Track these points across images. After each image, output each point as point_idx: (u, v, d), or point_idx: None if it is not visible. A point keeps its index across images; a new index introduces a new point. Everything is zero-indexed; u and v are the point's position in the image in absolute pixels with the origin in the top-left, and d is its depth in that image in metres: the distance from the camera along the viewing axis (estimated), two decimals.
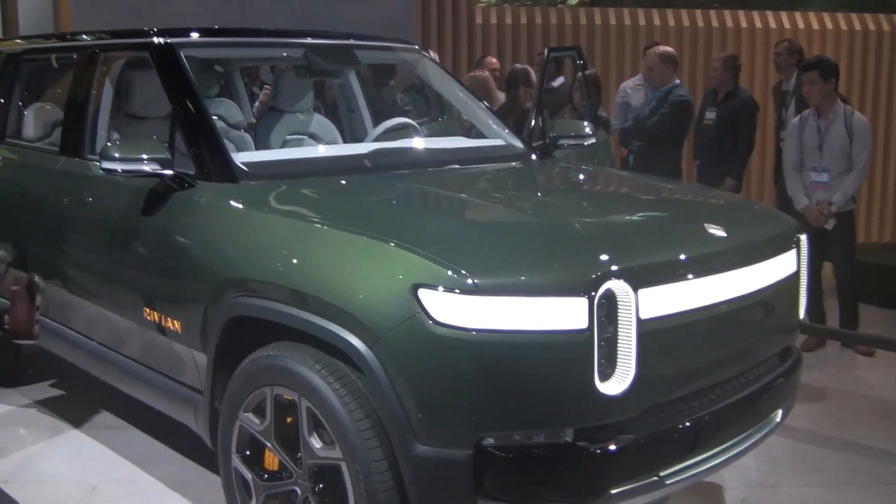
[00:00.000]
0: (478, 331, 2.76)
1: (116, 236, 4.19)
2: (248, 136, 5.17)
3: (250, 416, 3.36)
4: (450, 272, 2.80)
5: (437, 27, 10.82)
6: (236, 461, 3.44)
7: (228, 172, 3.78)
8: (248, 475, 3.40)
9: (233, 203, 3.67)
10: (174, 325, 3.78)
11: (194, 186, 3.80)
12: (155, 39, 4.33)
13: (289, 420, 3.24)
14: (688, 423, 3.12)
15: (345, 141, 5.54)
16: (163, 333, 3.87)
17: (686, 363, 3.14)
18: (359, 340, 2.92)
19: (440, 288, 2.78)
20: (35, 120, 5.47)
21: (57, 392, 5.73)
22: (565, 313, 2.79)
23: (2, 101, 5.59)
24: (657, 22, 11.00)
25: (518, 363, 2.78)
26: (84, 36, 4.99)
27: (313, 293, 3.09)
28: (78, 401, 5.54)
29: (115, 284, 4.26)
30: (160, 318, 3.86)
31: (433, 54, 8.32)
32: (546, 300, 2.79)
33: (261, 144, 5.12)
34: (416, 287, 2.82)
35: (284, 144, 5.17)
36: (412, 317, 2.81)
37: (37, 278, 4.48)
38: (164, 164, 3.77)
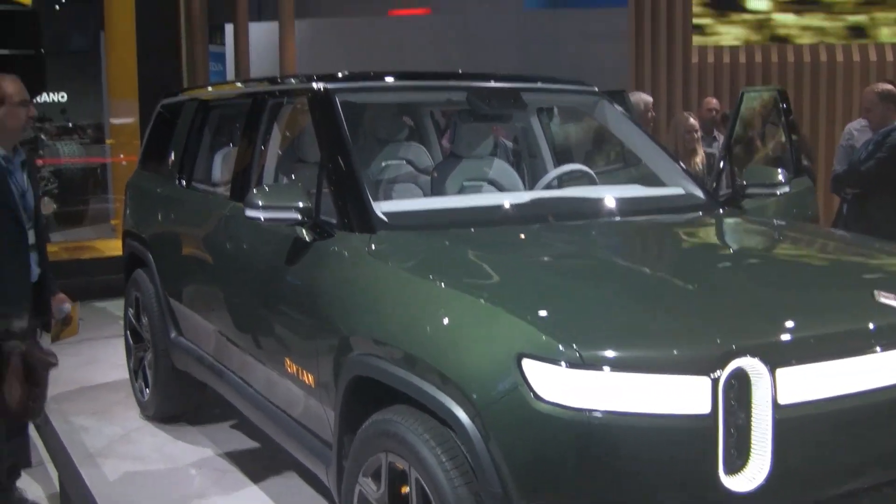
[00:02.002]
0: (583, 410, 2.48)
1: (264, 283, 4.18)
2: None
3: (368, 481, 3.20)
4: (554, 341, 2.54)
5: (651, 67, 10.50)
6: None
7: (367, 222, 3.67)
8: None
9: (364, 254, 3.55)
10: (308, 378, 3.70)
11: (333, 236, 3.71)
12: (314, 85, 4.31)
13: (403, 490, 3.05)
14: None
15: (525, 187, 5.34)
16: (300, 386, 3.80)
17: (834, 459, 2.69)
18: (462, 411, 2.70)
19: (544, 359, 2.53)
20: (221, 164, 5.61)
21: (234, 434, 5.79)
22: (684, 395, 2.47)
23: (193, 145, 5.77)
24: (889, 58, 10.20)
25: (629, 450, 2.48)
26: (256, 83, 5.06)
27: (422, 356, 2.90)
28: (250, 444, 5.57)
29: (262, 332, 4.24)
30: (297, 369, 3.80)
31: (644, 96, 8.03)
32: (661, 378, 2.48)
33: (437, 189, 5.00)
34: (519, 357, 2.58)
35: (461, 190, 5.02)
36: (514, 390, 2.56)
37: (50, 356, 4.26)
38: (306, 212, 3.70)
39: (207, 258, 4.94)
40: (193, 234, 5.27)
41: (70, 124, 22.41)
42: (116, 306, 8.39)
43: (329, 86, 4.27)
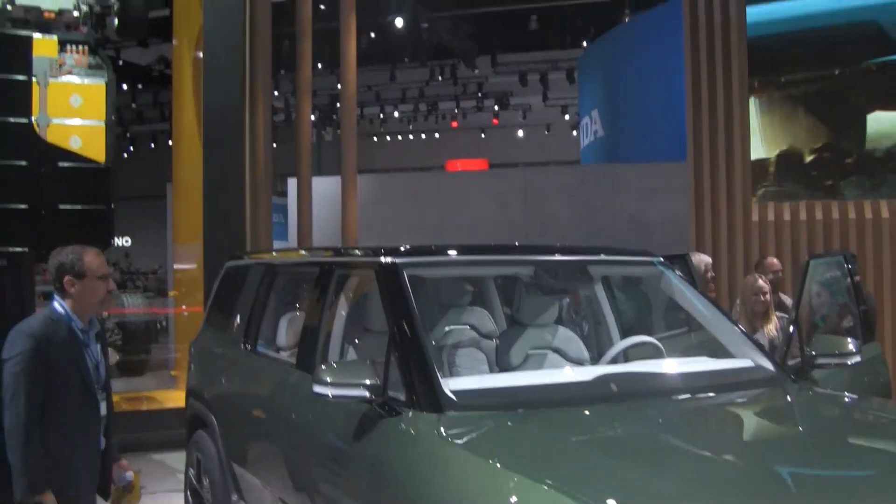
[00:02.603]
0: None
1: (330, 456, 4.15)
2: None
3: None
4: None
5: (711, 225, 10.51)
6: None
7: (435, 401, 3.66)
8: None
9: (432, 436, 3.52)
10: None
11: (401, 414, 3.70)
12: (382, 259, 4.36)
13: None
14: None
15: (591, 355, 5.30)
16: None
17: None
18: None
19: None
20: (286, 329, 5.66)
21: None
22: None
23: (259, 309, 5.83)
24: None
25: None
26: (324, 252, 5.14)
27: None
28: None
29: None
30: None
31: (704, 257, 8.01)
32: None
33: (502, 358, 4.99)
34: None
35: (526, 359, 4.99)
36: None
37: None
38: (374, 390, 3.71)
39: (271, 425, 4.94)
40: (258, 399, 5.29)
41: (133, 269, 22.94)
42: (175, 459, 8.39)
43: (397, 260, 4.32)
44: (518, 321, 5.11)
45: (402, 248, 4.50)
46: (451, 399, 3.68)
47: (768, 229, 10.42)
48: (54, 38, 10.17)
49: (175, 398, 10.90)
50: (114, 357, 10.13)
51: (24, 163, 10.03)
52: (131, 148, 37.20)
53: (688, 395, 4.09)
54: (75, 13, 10.38)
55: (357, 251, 4.90)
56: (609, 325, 5.67)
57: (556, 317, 5.21)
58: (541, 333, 5.04)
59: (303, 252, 5.79)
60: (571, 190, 15.96)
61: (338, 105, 33.15)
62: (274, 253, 6.24)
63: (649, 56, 18.40)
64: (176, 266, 12.45)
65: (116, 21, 11.01)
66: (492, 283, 6.30)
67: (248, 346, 5.73)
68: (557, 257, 4.93)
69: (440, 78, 29.25)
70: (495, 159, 34.65)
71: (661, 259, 5.29)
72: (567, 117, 33.50)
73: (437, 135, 38.09)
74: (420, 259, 4.56)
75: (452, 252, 4.74)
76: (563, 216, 15.46)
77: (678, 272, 5.37)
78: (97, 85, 10.28)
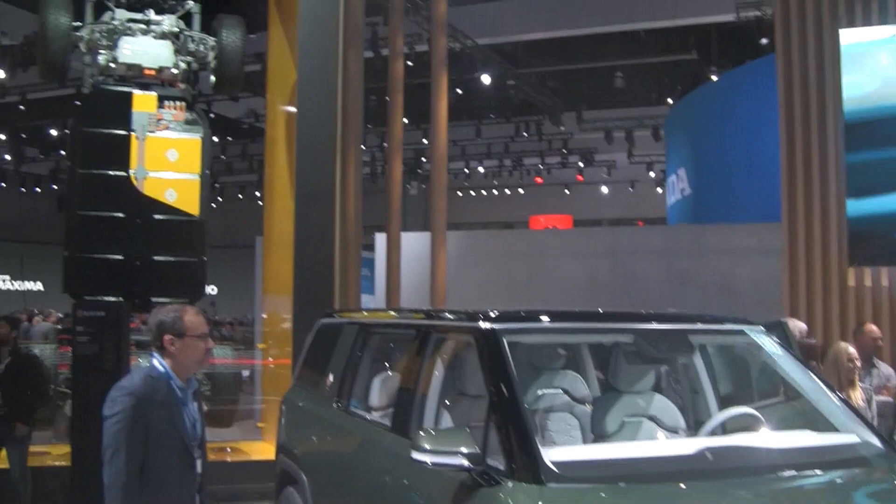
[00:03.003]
0: None
1: None
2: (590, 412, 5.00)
3: None
4: None
5: (805, 289, 10.29)
6: None
7: (536, 472, 3.60)
8: None
9: None
10: None
11: (500, 484, 3.64)
12: (481, 324, 4.33)
13: None
14: None
15: (687, 424, 5.20)
16: None
17: None
18: None
19: None
20: (379, 389, 5.64)
21: None
22: None
23: (351, 368, 5.84)
24: None
25: None
26: (421, 314, 5.13)
27: None
28: None
29: None
30: None
31: (799, 323, 7.85)
32: None
33: (597, 425, 4.92)
34: None
35: (622, 427, 4.91)
36: None
37: None
38: (473, 459, 3.67)
39: (364, 487, 4.90)
40: (350, 460, 5.27)
41: (219, 318, 23.24)
42: None
43: (497, 327, 4.29)
44: (614, 387, 5.04)
45: (502, 314, 4.46)
46: (553, 471, 3.62)
47: (865, 295, 10.16)
48: (153, 94, 10.42)
49: (261, 450, 10.97)
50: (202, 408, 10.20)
51: (121, 214, 10.25)
52: (219, 198, 37.94)
53: (793, 472, 3.96)
54: (174, 70, 10.63)
55: (454, 315, 4.87)
56: (706, 394, 5.56)
57: (652, 384, 5.13)
58: (637, 401, 4.96)
59: (396, 313, 5.79)
60: (659, 250, 15.81)
61: (423, 160, 33.54)
62: (365, 312, 6.26)
63: (738, 114, 18.24)
64: (265, 316, 12.56)
65: (213, 78, 11.27)
66: (585, 347, 6.22)
67: (341, 405, 5.73)
68: (658, 325, 4.85)
69: (525, 134, 29.37)
70: (579, 215, 34.63)
71: (762, 328, 5.19)
72: (652, 174, 33.36)
73: (521, 190, 38.19)
74: (520, 326, 4.52)
75: (553, 319, 4.68)
76: (650, 276, 15.31)
77: (776, 339, 5.26)
78: (193, 140, 10.48)
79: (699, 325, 5.08)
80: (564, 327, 4.80)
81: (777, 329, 6.05)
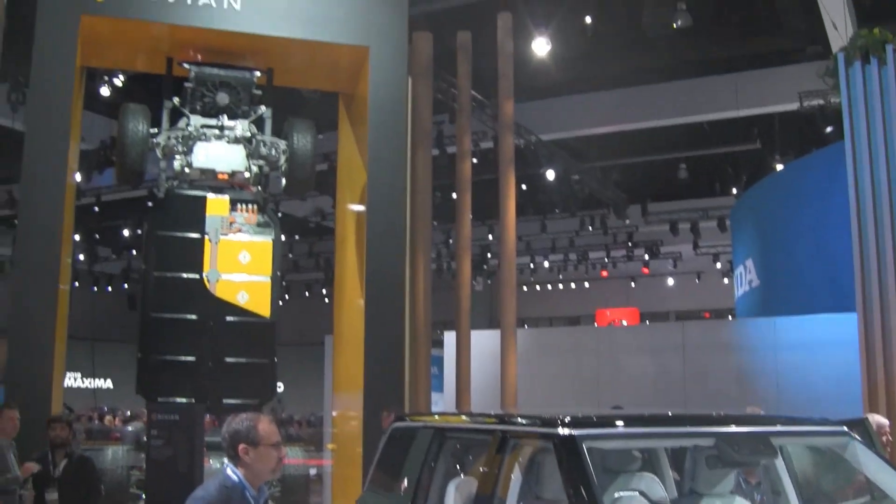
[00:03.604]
0: None
1: None
2: None
3: None
4: None
5: (884, 382, 10.05)
6: None
7: None
8: None
9: None
10: None
11: None
12: (559, 430, 4.29)
13: None
14: None
15: None
16: None
17: None
18: None
19: None
20: (455, 495, 5.58)
21: None
22: None
23: (426, 473, 5.79)
24: None
25: None
26: (496, 419, 5.10)
27: None
28: None
29: None
30: None
31: (880, 418, 7.66)
32: None
33: None
34: None
35: None
36: None
37: None
38: None
39: None
40: None
41: (285, 415, 23.27)
42: None
43: (575, 433, 4.25)
44: (693, 490, 4.94)
45: (580, 419, 4.43)
46: None
47: None
48: (226, 197, 10.66)
49: None
50: None
51: (194, 316, 10.42)
52: (286, 296, 38.33)
53: None
54: (246, 174, 10.89)
55: (530, 419, 4.83)
56: (788, 496, 5.43)
57: (732, 486, 5.03)
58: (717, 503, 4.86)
59: (470, 417, 5.77)
60: (730, 344, 15.61)
61: (488, 255, 33.66)
62: (437, 416, 6.25)
63: (806, 203, 18.07)
64: (334, 415, 12.54)
65: (284, 181, 11.50)
66: (662, 448, 6.12)
67: None
68: (740, 428, 4.77)
69: (590, 227, 29.40)
70: (645, 308, 34.39)
71: (846, 429, 5.08)
72: (718, 265, 33.08)
73: (586, 284, 38.08)
74: (600, 431, 4.47)
75: (631, 424, 4.64)
76: (721, 371, 15.10)
77: (857, 437, 5.15)
78: (265, 242, 10.68)
79: (780, 428, 4.98)
80: (643, 432, 4.74)
81: (858, 426, 5.93)
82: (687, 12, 15.90)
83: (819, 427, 5.04)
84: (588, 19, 18.54)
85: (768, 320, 15.89)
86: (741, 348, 15.44)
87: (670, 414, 4.92)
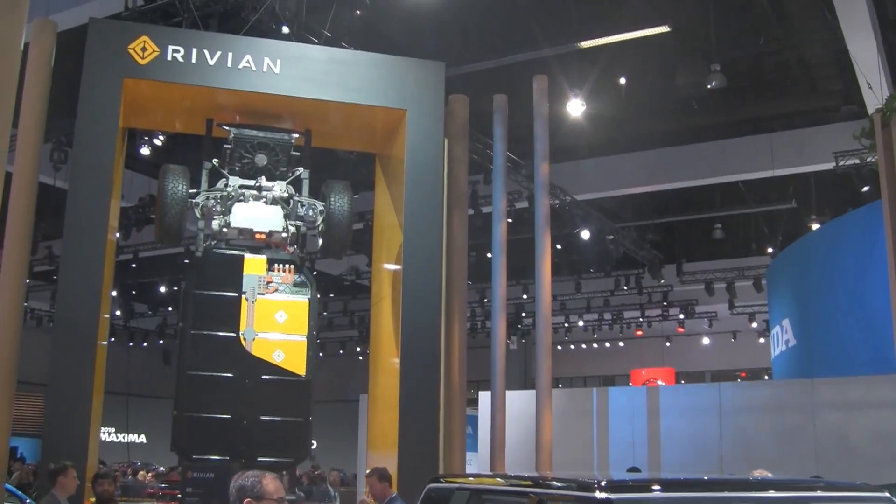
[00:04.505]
0: None
1: None
2: None
3: None
4: None
5: None
6: None
7: None
8: None
9: None
10: None
11: None
12: (596, 495, 4.29)
13: None
14: None
15: None
16: None
17: None
18: None
19: None
20: None
21: None
22: None
23: None
24: None
25: None
26: (532, 482, 5.10)
27: None
28: None
29: None
30: None
31: None
32: None
33: None
34: None
35: None
36: None
37: None
38: None
39: None
40: None
41: (319, 472, 23.13)
42: None
43: (612, 497, 4.24)
44: None
45: (615, 483, 4.43)
46: None
47: None
48: (263, 257, 10.77)
49: None
50: None
51: (230, 374, 10.48)
52: (320, 354, 38.43)
53: None
54: (284, 234, 11.00)
55: (566, 483, 4.83)
56: None
57: None
58: None
59: (506, 479, 5.76)
60: (767, 405, 15.45)
61: (522, 314, 33.62)
62: (472, 478, 6.25)
63: (844, 263, 17.96)
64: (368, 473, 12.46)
65: (321, 241, 11.61)
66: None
67: None
68: (777, 494, 4.73)
69: (625, 287, 29.33)
70: (680, 367, 34.12)
71: (888, 494, 5.02)
72: (754, 325, 32.83)
73: (621, 343, 37.90)
74: (636, 496, 4.45)
75: (666, 489, 4.61)
76: (758, 433, 14.94)
77: None
78: (301, 302, 10.76)
79: (819, 493, 4.93)
80: (679, 497, 4.71)
81: None
82: (721, 73, 15.97)
83: (859, 493, 4.97)
84: (622, 80, 18.69)
85: (806, 381, 15.73)
86: (778, 409, 15.27)
87: (706, 478, 4.89)
